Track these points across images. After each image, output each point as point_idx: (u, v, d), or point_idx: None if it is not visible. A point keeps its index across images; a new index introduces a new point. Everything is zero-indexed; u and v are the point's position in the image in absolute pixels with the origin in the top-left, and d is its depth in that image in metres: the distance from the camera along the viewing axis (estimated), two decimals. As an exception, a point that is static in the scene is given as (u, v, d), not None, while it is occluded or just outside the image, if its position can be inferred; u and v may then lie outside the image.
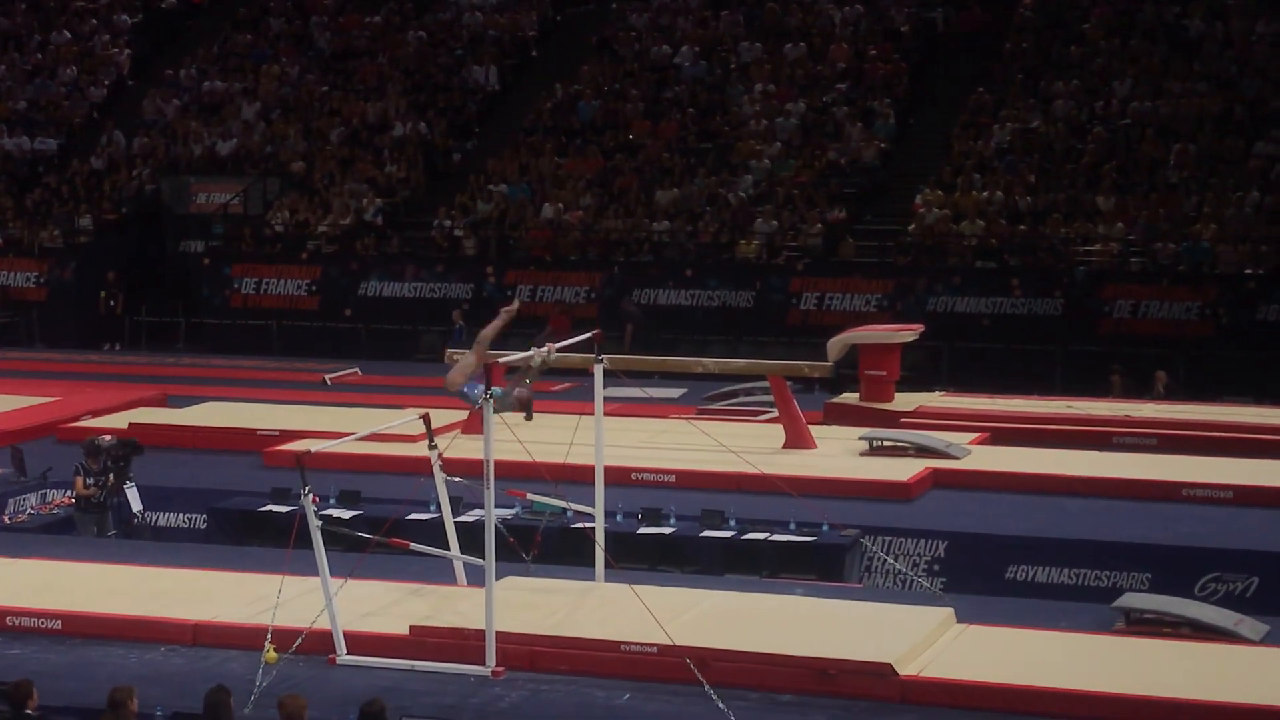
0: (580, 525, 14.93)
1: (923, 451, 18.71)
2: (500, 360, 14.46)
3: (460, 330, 29.23)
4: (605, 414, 14.18)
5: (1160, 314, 26.43)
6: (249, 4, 37.88)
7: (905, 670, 11.80)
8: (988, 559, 15.88)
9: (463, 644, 12.35)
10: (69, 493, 17.34)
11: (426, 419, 13.97)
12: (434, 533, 14.34)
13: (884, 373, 21.33)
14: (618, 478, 15.94)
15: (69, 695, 11.55)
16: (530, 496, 14.99)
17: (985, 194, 28.53)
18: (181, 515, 17.95)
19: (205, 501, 17.69)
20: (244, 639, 12.61)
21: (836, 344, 21.53)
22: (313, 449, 13.73)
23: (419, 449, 15.06)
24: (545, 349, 13.49)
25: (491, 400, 12.38)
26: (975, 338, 26.76)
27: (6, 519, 17.46)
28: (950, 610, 13.08)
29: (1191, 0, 31.26)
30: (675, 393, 23.28)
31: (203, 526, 17.65)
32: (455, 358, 20.76)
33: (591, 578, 13.96)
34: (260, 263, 31.05)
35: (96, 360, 29.41)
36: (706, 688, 11.50)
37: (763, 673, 11.91)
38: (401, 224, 31.68)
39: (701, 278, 28.44)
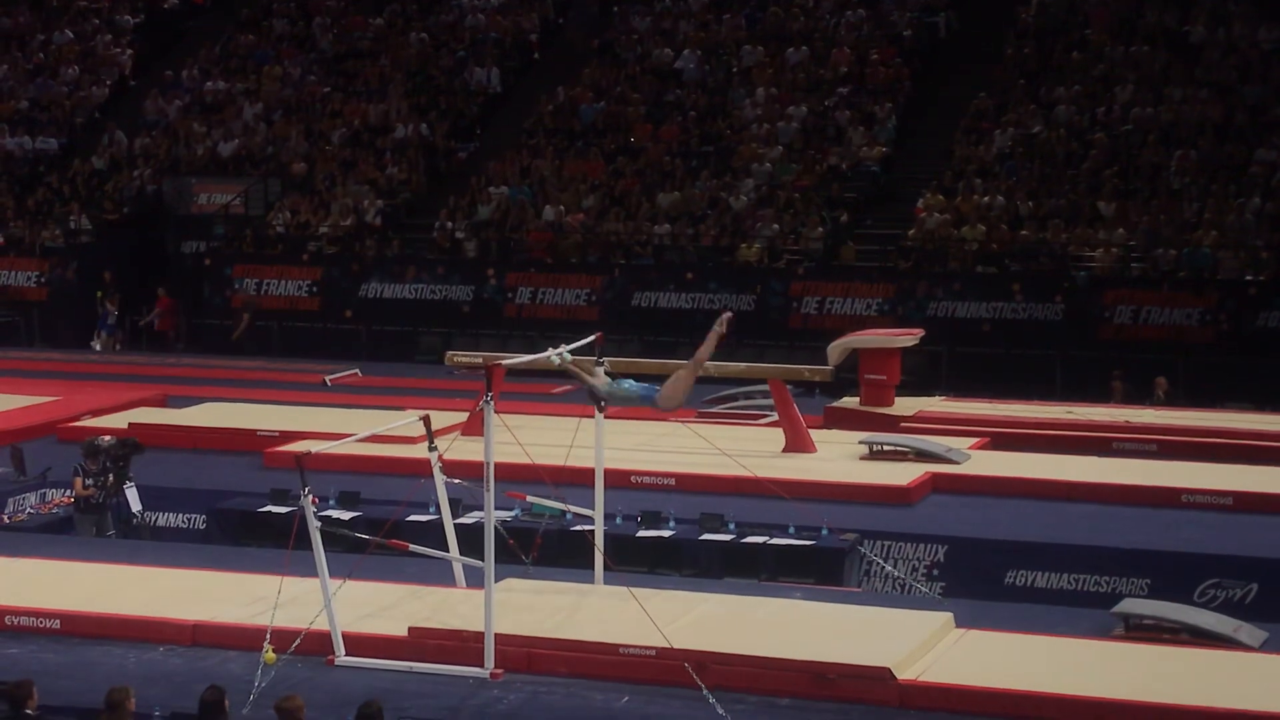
0: (580, 528, 14.94)
1: (922, 456, 18.69)
2: (505, 363, 14.48)
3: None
4: (605, 416, 14.18)
5: (1161, 320, 26.39)
6: (251, 5, 37.88)
7: (904, 675, 11.80)
8: (987, 564, 15.88)
9: (461, 646, 12.34)
10: (68, 492, 17.32)
11: (427, 420, 13.97)
12: (433, 534, 14.34)
13: (884, 377, 21.30)
14: (617, 480, 15.92)
15: (68, 695, 11.55)
16: (530, 499, 15.01)
17: (986, 199, 28.51)
18: (181, 515, 17.94)
19: (205, 502, 17.70)
20: (243, 639, 12.61)
21: (837, 348, 21.51)
22: (313, 450, 13.75)
23: (419, 450, 15.06)
24: (561, 349, 13.47)
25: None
26: (976, 343, 26.74)
27: (6, 518, 17.46)
28: (949, 615, 13.08)
29: (1193, 6, 31.25)
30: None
31: (202, 527, 17.66)
32: (457, 358, 20.92)
33: (590, 580, 13.97)
34: (261, 264, 31.06)
35: (97, 360, 29.40)
36: (704, 691, 11.51)
37: (761, 676, 11.91)
38: (402, 225, 31.67)
39: (702, 281, 28.40)
